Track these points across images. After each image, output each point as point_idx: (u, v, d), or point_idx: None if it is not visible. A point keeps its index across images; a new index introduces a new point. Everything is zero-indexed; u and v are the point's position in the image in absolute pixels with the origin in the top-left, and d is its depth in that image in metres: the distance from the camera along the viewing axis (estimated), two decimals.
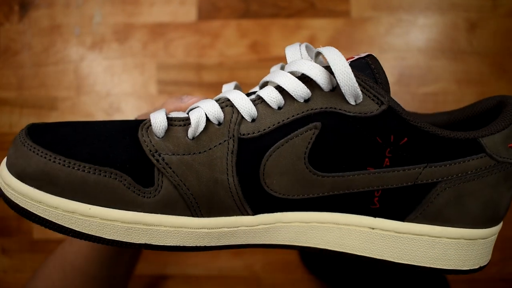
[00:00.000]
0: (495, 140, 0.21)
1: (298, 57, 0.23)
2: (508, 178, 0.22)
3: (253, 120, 0.21)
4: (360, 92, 0.20)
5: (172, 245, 0.22)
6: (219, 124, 0.22)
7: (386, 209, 0.23)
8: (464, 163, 0.21)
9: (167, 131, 0.21)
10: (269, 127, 0.21)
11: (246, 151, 0.21)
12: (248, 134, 0.21)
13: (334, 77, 0.21)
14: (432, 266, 0.23)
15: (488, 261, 0.24)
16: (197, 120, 0.21)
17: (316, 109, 0.21)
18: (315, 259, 0.51)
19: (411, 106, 0.51)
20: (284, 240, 0.23)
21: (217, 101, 0.22)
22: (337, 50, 0.21)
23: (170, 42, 0.53)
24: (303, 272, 0.52)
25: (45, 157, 0.20)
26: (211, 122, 0.22)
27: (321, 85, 0.21)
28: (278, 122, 0.21)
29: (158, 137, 0.21)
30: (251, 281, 0.52)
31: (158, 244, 0.22)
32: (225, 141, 0.21)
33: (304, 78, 0.21)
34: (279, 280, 0.52)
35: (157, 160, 0.21)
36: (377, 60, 0.22)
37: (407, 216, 0.23)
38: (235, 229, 0.22)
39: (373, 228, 0.23)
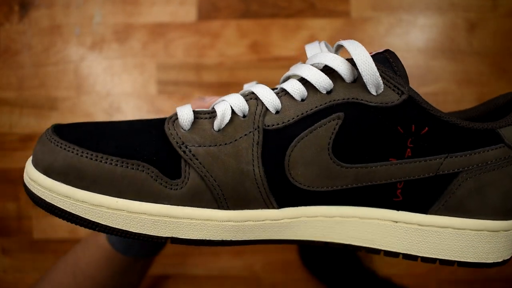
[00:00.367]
0: None
1: (318, 52, 0.23)
2: None
3: (277, 111, 0.22)
4: (381, 81, 0.21)
5: (199, 238, 0.22)
6: (244, 116, 0.22)
7: (409, 201, 0.23)
8: (483, 153, 0.22)
9: (193, 123, 0.22)
10: (293, 118, 0.21)
11: (271, 142, 0.21)
12: (273, 125, 0.21)
13: (356, 68, 0.21)
14: (457, 259, 0.23)
15: (511, 255, 0.24)
16: (222, 112, 0.21)
17: (338, 100, 0.21)
18: (315, 259, 0.51)
19: None
20: (308, 235, 0.23)
21: (241, 95, 0.22)
22: (358, 42, 0.22)
23: (170, 42, 0.53)
24: (303, 272, 0.52)
25: (72, 152, 0.20)
26: (236, 114, 0.22)
27: (343, 75, 0.21)
28: (302, 113, 0.21)
29: (185, 130, 0.21)
30: (251, 281, 0.52)
31: (184, 237, 0.22)
32: (250, 132, 0.21)
33: (326, 70, 0.22)
34: (279, 280, 0.52)
35: (184, 152, 0.21)
36: (395, 54, 0.22)
37: (429, 208, 0.23)
38: (261, 222, 0.23)
39: (396, 222, 0.23)
